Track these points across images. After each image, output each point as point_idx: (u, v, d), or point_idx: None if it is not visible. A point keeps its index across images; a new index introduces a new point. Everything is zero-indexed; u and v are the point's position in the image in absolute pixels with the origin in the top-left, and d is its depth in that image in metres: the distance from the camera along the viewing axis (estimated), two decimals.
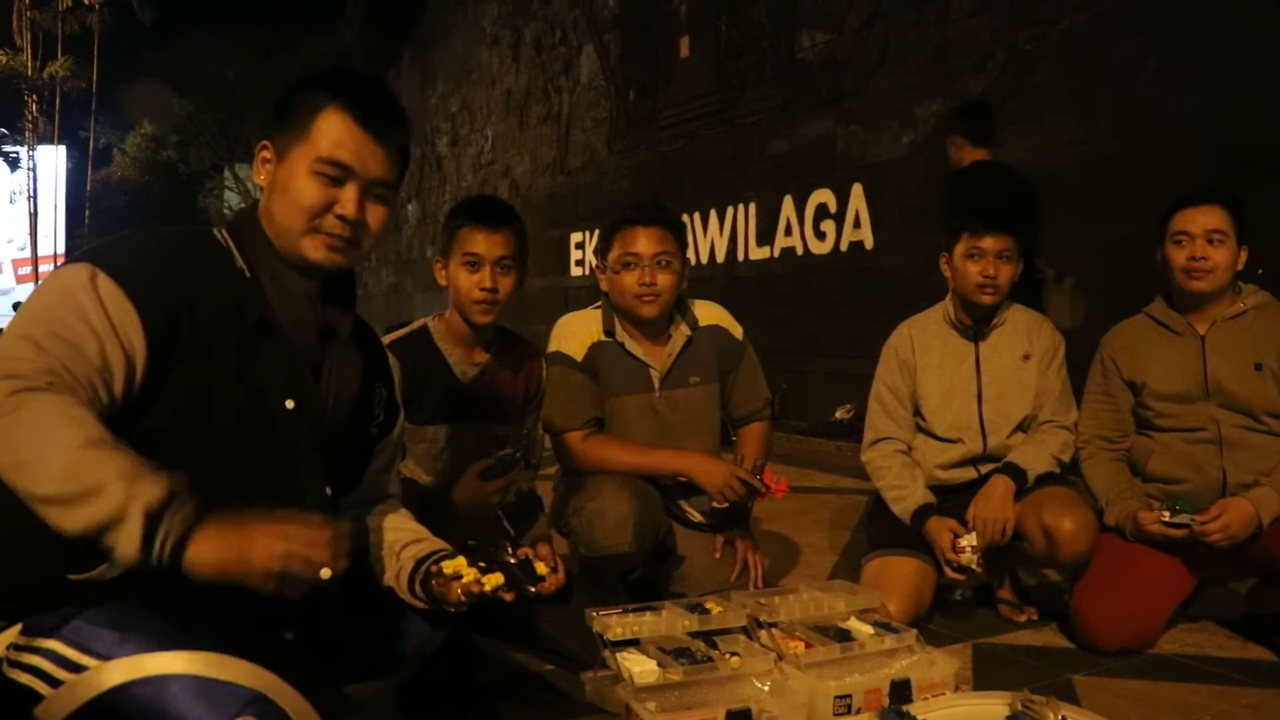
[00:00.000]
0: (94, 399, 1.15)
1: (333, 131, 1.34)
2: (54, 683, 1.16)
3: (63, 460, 1.05)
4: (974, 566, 2.38)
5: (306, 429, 1.35)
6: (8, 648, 1.20)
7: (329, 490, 1.37)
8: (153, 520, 1.06)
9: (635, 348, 2.53)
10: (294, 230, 1.35)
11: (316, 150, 1.33)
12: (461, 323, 2.20)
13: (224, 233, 1.38)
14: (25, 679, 1.17)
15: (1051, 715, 1.68)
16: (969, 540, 2.38)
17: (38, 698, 1.17)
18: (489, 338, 2.26)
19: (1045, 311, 4.65)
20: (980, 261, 2.49)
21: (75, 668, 1.16)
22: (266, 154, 1.38)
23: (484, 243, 2.12)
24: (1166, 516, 2.27)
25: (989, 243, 2.48)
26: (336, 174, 1.34)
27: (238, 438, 1.28)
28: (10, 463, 1.07)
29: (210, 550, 1.08)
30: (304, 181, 1.34)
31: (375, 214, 1.39)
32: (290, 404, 1.32)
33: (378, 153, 1.36)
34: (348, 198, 1.35)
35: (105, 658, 1.15)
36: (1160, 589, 2.33)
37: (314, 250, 1.36)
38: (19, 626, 1.20)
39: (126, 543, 1.06)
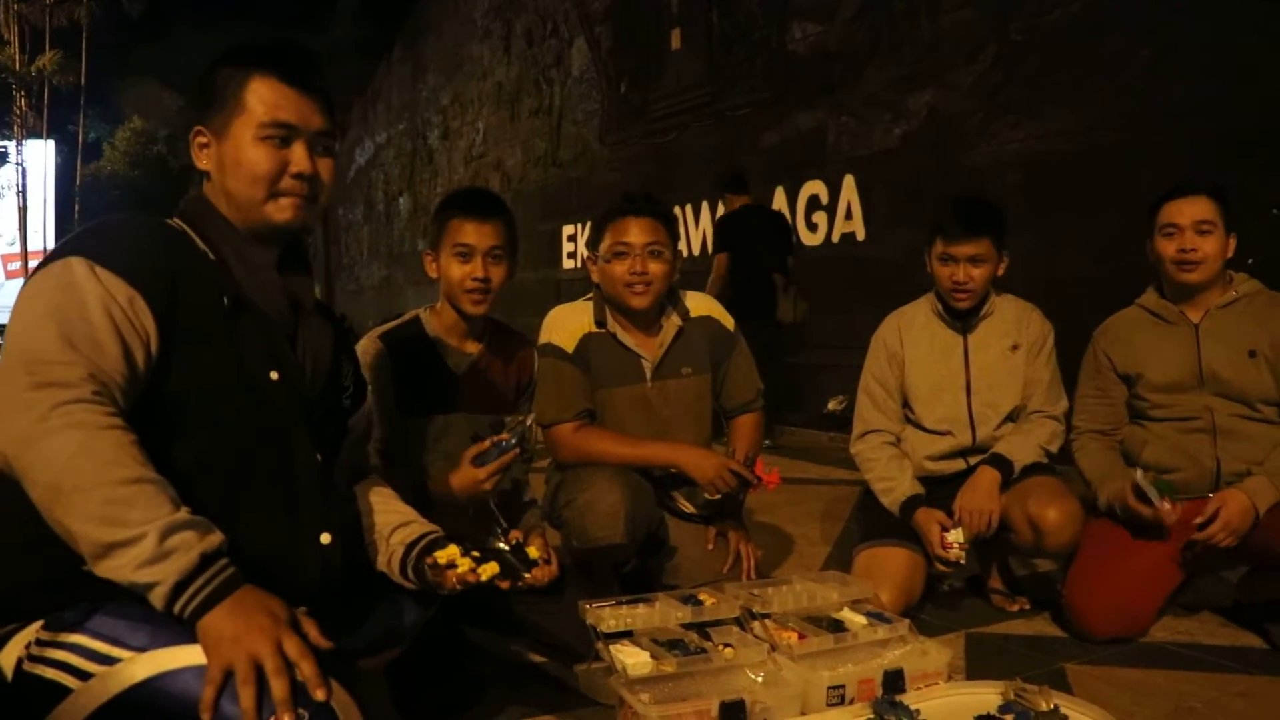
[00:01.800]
0: (125, 389, 1.19)
1: (266, 96, 1.37)
2: (83, 676, 1.14)
3: (101, 499, 1.09)
4: (961, 560, 2.39)
5: (293, 398, 1.37)
6: (28, 645, 1.18)
7: (319, 456, 1.39)
8: (179, 588, 1.11)
9: (627, 338, 2.52)
10: (256, 200, 1.38)
11: (256, 118, 1.36)
12: (453, 314, 2.20)
13: (177, 220, 1.39)
14: (51, 674, 1.15)
15: (1044, 704, 1.68)
16: (955, 536, 2.38)
17: (58, 695, 1.15)
18: (481, 329, 2.26)
19: (775, 311, 5.42)
20: (951, 266, 2.48)
21: (107, 660, 1.15)
22: (203, 139, 1.41)
23: (475, 233, 2.12)
24: (1138, 476, 2.24)
25: (959, 249, 2.46)
26: (282, 134, 1.37)
27: (232, 409, 1.30)
28: (50, 485, 1.10)
29: (222, 621, 1.11)
30: (253, 151, 1.36)
31: (325, 166, 1.43)
32: (274, 375, 1.35)
33: (313, 105, 1.40)
34: (299, 155, 1.39)
35: (139, 649, 1.14)
36: (1151, 577, 2.34)
37: (280, 213, 1.39)
38: (38, 624, 1.19)
39: (153, 591, 1.12)
